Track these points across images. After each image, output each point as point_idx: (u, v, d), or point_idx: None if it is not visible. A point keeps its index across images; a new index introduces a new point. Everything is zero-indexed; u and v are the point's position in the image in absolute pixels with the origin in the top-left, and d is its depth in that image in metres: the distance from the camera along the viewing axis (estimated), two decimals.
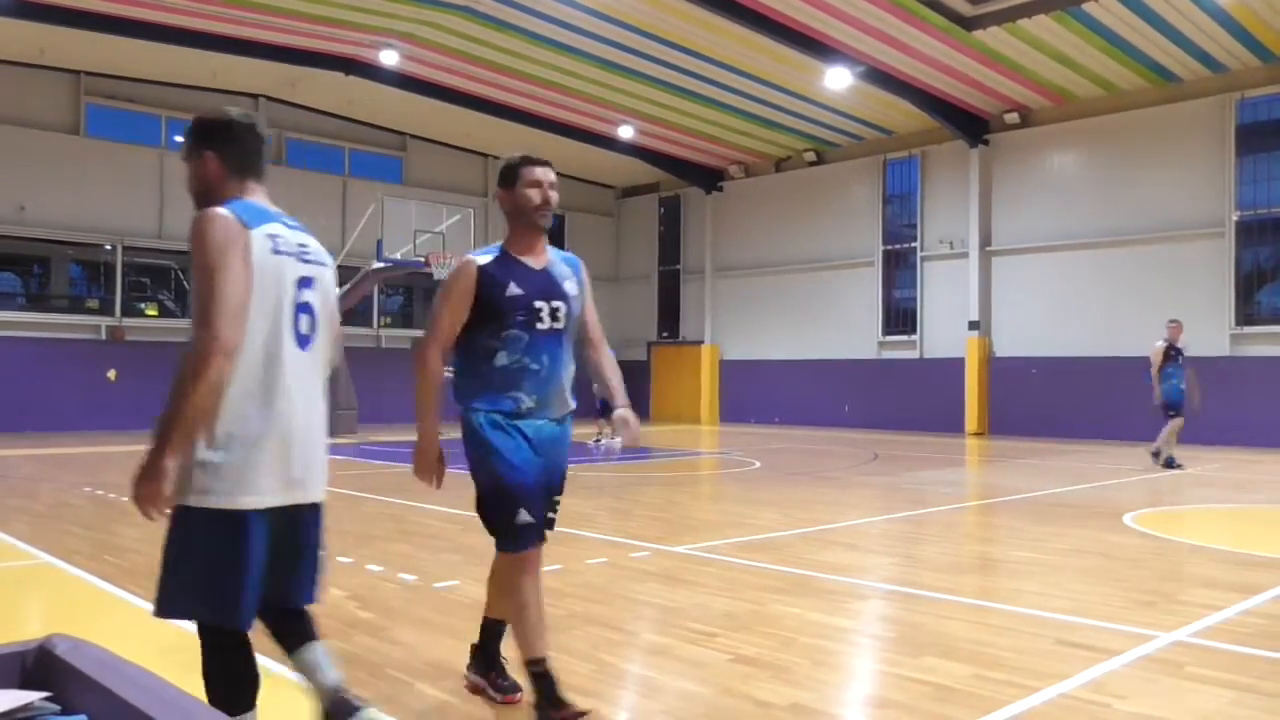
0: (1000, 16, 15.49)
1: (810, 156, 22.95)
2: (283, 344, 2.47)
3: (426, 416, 3.25)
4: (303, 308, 2.53)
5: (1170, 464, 12.40)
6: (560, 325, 3.20)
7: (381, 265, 18.25)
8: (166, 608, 2.50)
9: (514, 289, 3.13)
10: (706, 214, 25.40)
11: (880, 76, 17.91)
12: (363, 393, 19.38)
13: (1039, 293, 19.40)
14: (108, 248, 19.68)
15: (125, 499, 8.83)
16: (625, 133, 22.44)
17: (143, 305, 20.48)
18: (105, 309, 19.78)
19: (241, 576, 2.42)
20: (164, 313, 20.73)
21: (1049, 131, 19.40)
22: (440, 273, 18.71)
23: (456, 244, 19.23)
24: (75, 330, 19.21)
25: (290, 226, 2.58)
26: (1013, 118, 19.49)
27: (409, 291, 24.82)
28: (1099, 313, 18.53)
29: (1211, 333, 17.21)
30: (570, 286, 3.27)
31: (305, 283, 2.55)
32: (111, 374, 18.97)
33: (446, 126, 22.93)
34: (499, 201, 3.29)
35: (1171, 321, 12.76)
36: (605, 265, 27.59)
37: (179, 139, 20.72)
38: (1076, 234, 18.92)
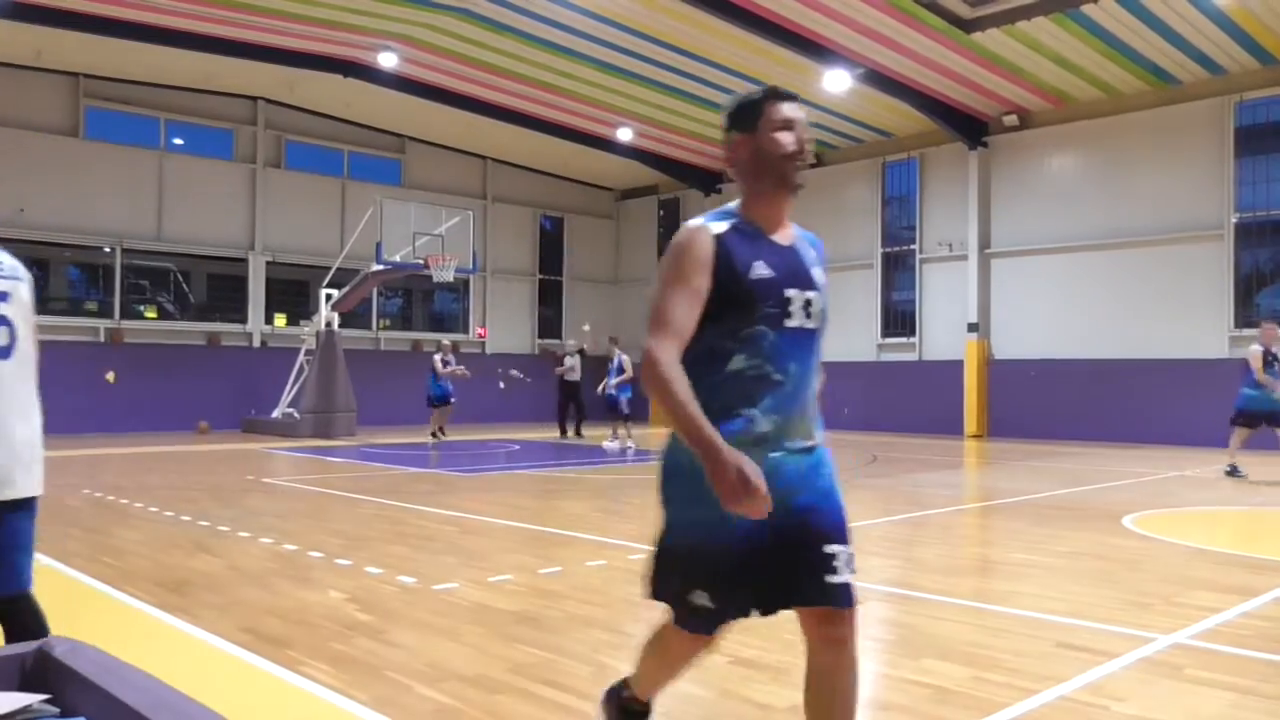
0: (999, 19, 15.50)
1: (809, 158, 22.91)
2: None
3: (703, 422, 2.21)
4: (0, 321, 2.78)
5: (1234, 472, 11.41)
6: (813, 324, 2.44)
7: (380, 268, 18.24)
8: None
9: (760, 269, 2.36)
10: None
11: (879, 79, 17.92)
12: (362, 395, 19.38)
13: (1038, 295, 19.41)
14: (106, 250, 19.68)
15: (124, 501, 8.83)
16: (624, 135, 22.44)
17: (142, 308, 20.46)
18: (104, 311, 19.77)
19: None
20: (163, 315, 20.72)
21: (1048, 134, 19.41)
22: (440, 275, 18.69)
23: (455, 246, 19.22)
24: (74, 332, 19.18)
25: None
26: (1011, 120, 19.50)
27: (408, 294, 24.82)
28: (1098, 315, 18.54)
29: (1210, 335, 17.23)
30: (819, 275, 2.51)
31: (1, 297, 2.78)
32: (110, 376, 18.95)
33: (445, 129, 22.93)
34: (732, 152, 2.49)
35: (1266, 324, 11.49)
36: (604, 268, 27.61)
37: (178, 141, 20.77)
38: (1076, 236, 18.93)
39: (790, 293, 2.39)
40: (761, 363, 2.35)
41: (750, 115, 2.47)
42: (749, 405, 2.34)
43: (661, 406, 2.28)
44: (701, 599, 2.37)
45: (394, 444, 16.64)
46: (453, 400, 17.68)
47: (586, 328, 20.79)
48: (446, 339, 20.56)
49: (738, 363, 2.35)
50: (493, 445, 16.65)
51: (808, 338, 2.43)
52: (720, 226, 2.40)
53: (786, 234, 2.50)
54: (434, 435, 17.56)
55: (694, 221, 2.44)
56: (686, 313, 2.32)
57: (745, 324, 2.34)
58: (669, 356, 2.28)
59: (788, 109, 2.46)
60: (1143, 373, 17.82)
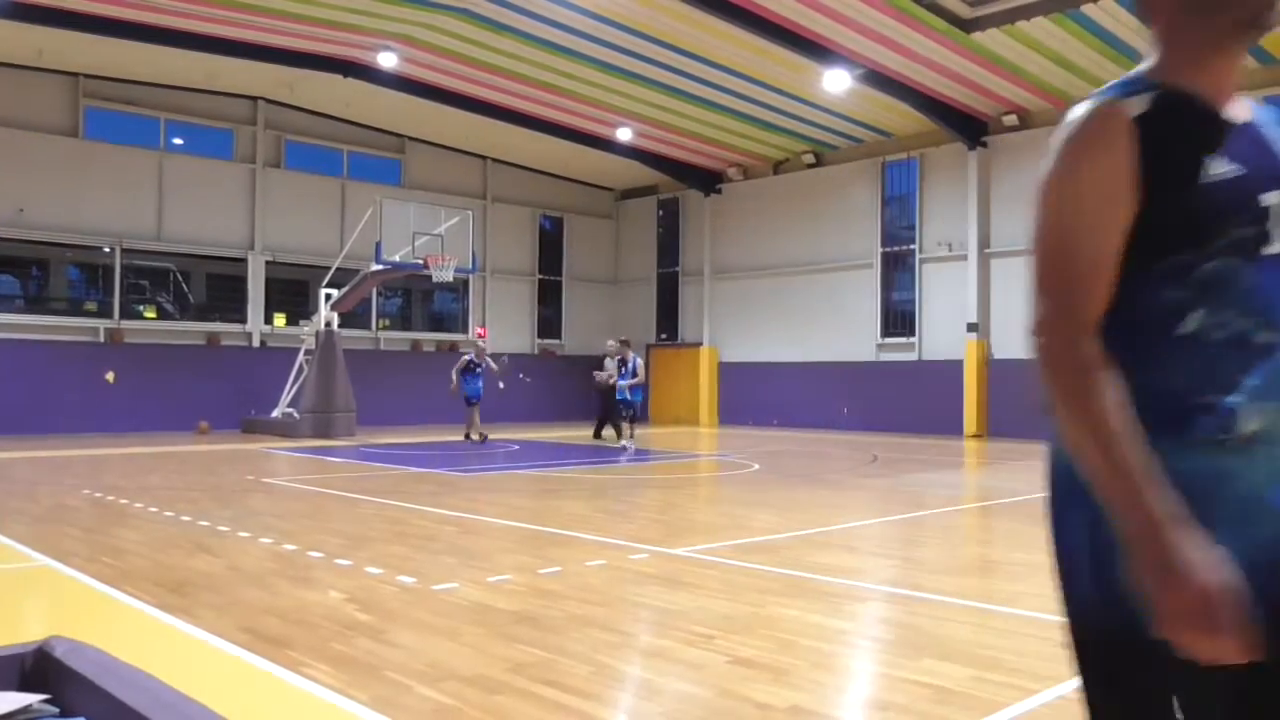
0: (999, 19, 15.50)
1: (809, 159, 22.96)
2: None
3: (1139, 473, 1.33)
4: None
5: None
6: None
7: (380, 268, 18.24)
8: None
9: (1219, 166, 1.43)
10: (705, 216, 25.41)
11: (879, 79, 17.92)
12: (361, 395, 19.37)
13: None
14: (106, 250, 19.67)
15: (124, 501, 8.84)
16: (623, 135, 22.44)
17: (141, 307, 20.46)
18: (104, 311, 19.76)
19: None
20: (163, 315, 20.71)
21: (1048, 134, 18.84)
22: (440, 275, 18.63)
23: (455, 246, 19.21)
24: (74, 332, 19.19)
25: None
26: (1011, 120, 19.49)
27: (408, 294, 24.82)
28: None
29: None
30: None
31: None
32: (110, 376, 18.96)
33: (445, 128, 22.93)
34: None
35: None
36: (604, 268, 27.61)
37: (178, 141, 20.78)
38: None
39: (1270, 198, 1.45)
40: (1235, 316, 1.42)
41: None
42: (1221, 389, 1.40)
43: (1071, 428, 1.40)
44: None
45: (394, 444, 16.64)
46: (475, 402, 17.53)
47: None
48: (482, 342, 20.37)
49: (1194, 321, 1.42)
50: (493, 445, 16.65)
51: None
52: (1139, 104, 1.44)
53: (1240, 107, 1.55)
54: (467, 436, 17.42)
55: (1092, 101, 1.49)
56: (1106, 261, 1.43)
57: (1201, 257, 1.42)
58: (1088, 347, 1.40)
59: None
60: None
